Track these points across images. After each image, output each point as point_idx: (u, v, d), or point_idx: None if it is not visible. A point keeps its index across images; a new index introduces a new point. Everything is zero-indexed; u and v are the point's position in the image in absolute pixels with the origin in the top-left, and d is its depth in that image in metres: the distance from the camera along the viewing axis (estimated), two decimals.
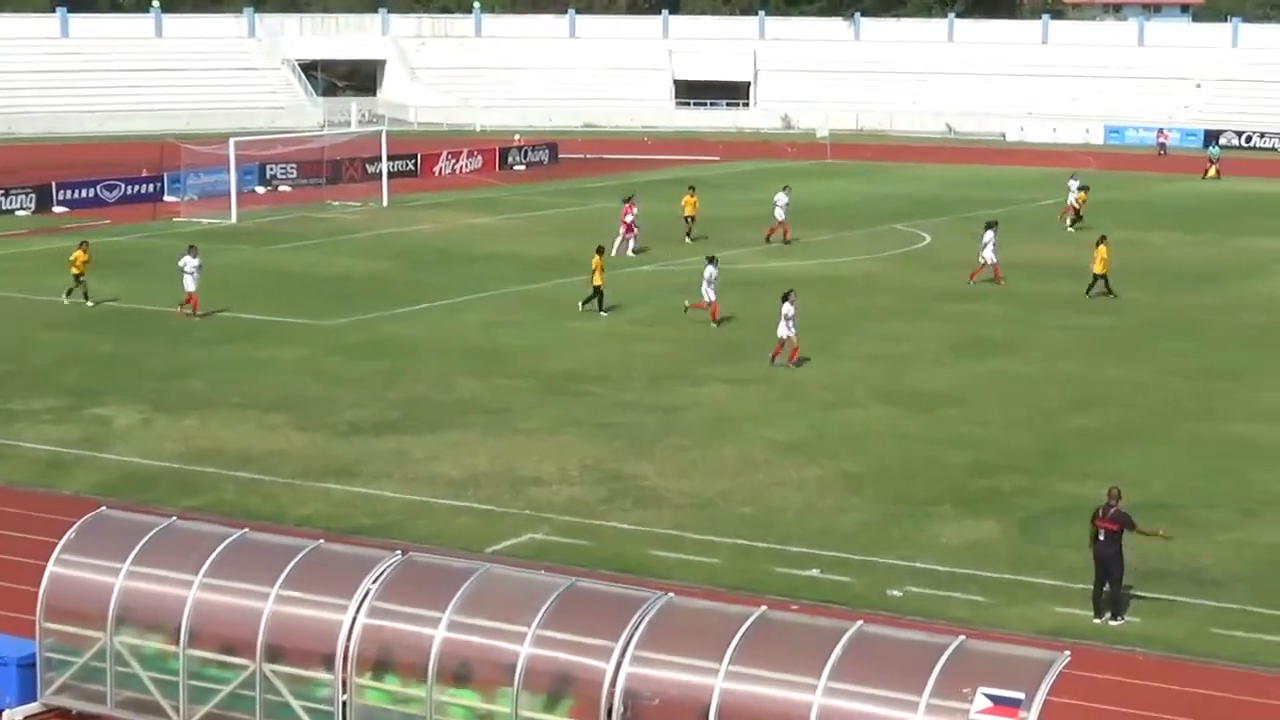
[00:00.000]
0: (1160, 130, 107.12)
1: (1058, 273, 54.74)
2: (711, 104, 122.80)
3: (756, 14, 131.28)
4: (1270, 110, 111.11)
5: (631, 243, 57.96)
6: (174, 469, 31.73)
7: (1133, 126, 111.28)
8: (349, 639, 19.01)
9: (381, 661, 19.08)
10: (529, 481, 30.85)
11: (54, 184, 71.33)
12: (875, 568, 26.56)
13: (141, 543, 20.34)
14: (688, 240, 60.99)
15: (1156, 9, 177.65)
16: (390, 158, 77.53)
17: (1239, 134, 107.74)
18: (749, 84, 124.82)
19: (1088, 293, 50.38)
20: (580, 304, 47.17)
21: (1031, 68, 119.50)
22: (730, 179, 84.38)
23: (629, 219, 58.30)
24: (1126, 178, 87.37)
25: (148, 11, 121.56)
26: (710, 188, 72.82)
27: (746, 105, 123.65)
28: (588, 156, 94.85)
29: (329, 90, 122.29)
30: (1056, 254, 59.00)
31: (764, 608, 18.77)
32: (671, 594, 19.19)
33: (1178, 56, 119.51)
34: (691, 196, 62.69)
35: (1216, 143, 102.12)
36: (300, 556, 19.88)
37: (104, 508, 22.22)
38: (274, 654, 19.34)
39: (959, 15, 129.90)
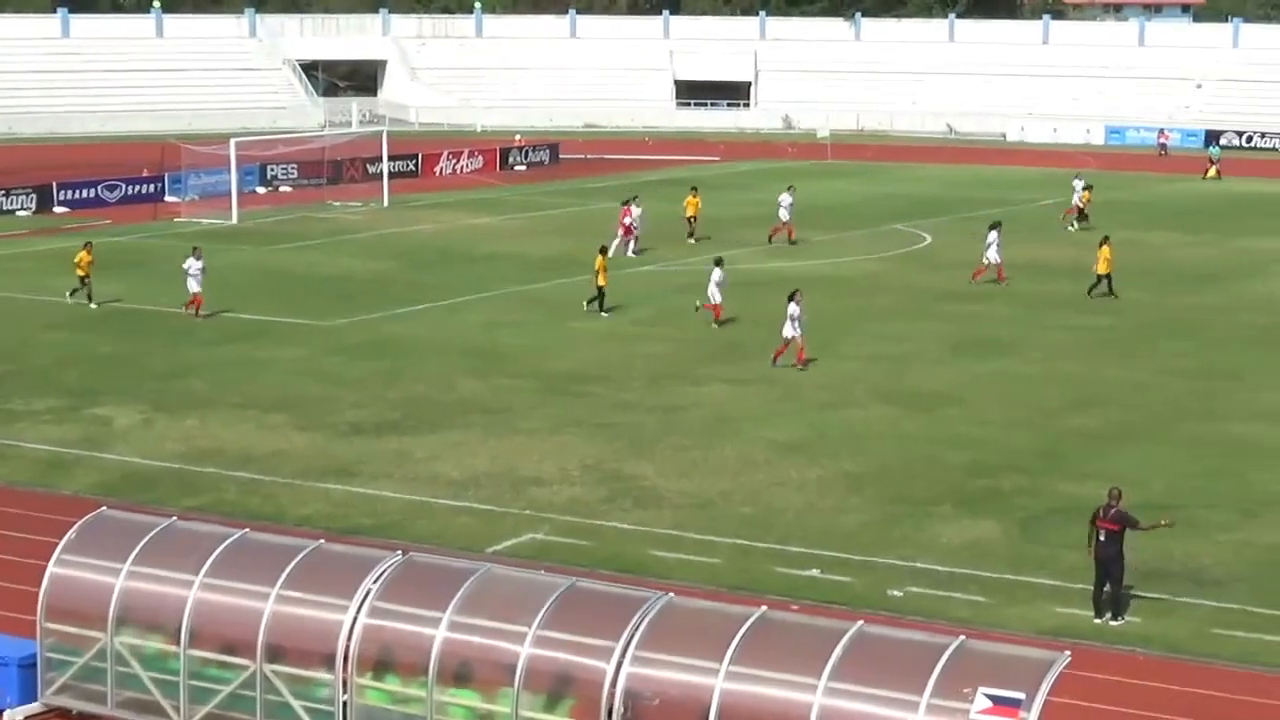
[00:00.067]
0: (1161, 130, 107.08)
1: (1058, 273, 54.75)
2: (712, 104, 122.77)
3: (757, 14, 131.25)
4: (1271, 110, 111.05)
5: (631, 244, 57.96)
6: (174, 469, 31.75)
7: (1133, 127, 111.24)
8: (349, 639, 19.02)
9: (382, 661, 19.09)
10: (529, 481, 30.86)
11: (55, 184, 71.30)
12: (875, 568, 26.57)
13: (142, 543, 20.36)
14: (690, 240, 61.01)
15: (1157, 9, 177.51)
16: (391, 158, 77.50)
17: (1239, 134, 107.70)
18: (750, 84, 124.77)
19: (1089, 293, 50.41)
20: (585, 304, 47.22)
21: (1032, 68, 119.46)
22: (731, 179, 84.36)
23: (627, 221, 58.25)
24: (1127, 178, 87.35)
25: (149, 12, 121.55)
26: (711, 188, 72.71)
27: (747, 105, 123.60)
28: (588, 157, 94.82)
29: (330, 90, 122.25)
30: (1057, 254, 59.00)
31: (764, 608, 18.77)
32: (672, 594, 19.20)
33: (1178, 57, 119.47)
34: (693, 197, 62.66)
35: (1217, 143, 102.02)
36: (301, 557, 19.89)
37: (104, 508, 22.22)
38: (274, 654, 19.35)
39: (959, 15, 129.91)
